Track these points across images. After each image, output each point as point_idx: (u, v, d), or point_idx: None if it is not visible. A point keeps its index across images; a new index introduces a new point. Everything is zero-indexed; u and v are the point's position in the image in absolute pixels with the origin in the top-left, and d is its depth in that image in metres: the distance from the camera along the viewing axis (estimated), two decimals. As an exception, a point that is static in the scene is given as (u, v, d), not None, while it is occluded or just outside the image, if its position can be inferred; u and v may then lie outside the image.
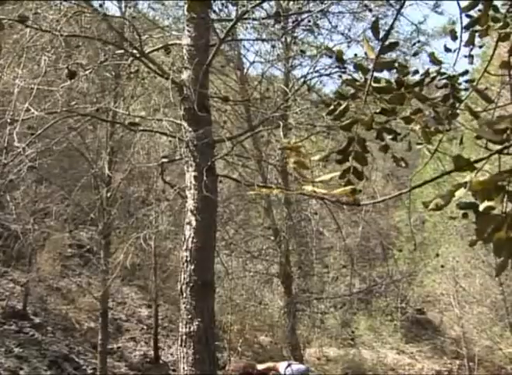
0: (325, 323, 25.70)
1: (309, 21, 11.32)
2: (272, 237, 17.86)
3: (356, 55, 12.34)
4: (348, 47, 14.39)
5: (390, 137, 3.27)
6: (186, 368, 6.20)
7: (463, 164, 2.39)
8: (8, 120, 8.61)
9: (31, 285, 22.73)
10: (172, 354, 24.23)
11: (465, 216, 2.72)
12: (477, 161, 2.40)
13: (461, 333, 28.38)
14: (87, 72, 9.23)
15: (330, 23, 13.77)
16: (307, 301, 20.67)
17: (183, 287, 6.64)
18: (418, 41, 15.18)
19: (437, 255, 24.90)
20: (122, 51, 9.58)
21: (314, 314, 22.37)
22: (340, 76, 13.19)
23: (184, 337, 6.38)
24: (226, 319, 20.60)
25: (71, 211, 19.69)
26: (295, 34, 14.63)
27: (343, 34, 14.77)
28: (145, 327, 25.40)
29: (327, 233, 21.71)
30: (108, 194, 16.66)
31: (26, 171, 8.92)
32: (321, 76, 12.64)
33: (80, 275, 25.63)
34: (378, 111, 3.12)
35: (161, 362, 23.78)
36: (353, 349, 29.24)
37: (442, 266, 25.01)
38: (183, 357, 6.33)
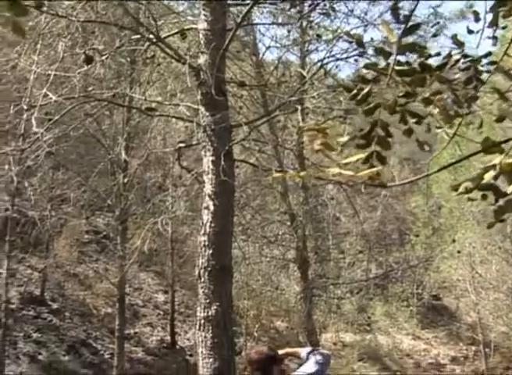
0: (341, 309, 25.75)
1: (325, 5, 11.22)
2: (289, 223, 17.82)
3: (372, 39, 12.25)
4: (364, 31, 14.25)
5: (414, 120, 3.23)
6: (204, 352, 6.20)
7: (490, 145, 2.35)
8: (25, 107, 8.63)
9: (49, 271, 22.89)
10: (188, 339, 24.36)
11: (484, 197, 2.68)
12: (505, 141, 2.36)
13: (477, 319, 28.31)
14: (104, 57, 9.21)
15: (346, 6, 13.59)
16: (324, 286, 20.66)
17: (201, 271, 6.62)
18: (437, 23, 15.04)
19: (453, 240, 24.80)
20: (138, 36, 9.55)
21: (331, 299, 22.38)
22: (356, 61, 13.13)
23: (202, 321, 6.38)
24: (243, 304, 20.65)
25: (88, 197, 19.72)
26: (311, 18, 14.50)
27: (359, 18, 14.61)
28: (162, 313, 25.53)
29: (343, 219, 21.65)
30: (125, 180, 16.68)
31: (44, 157, 8.93)
32: (338, 60, 12.55)
33: (96, 261, 25.76)
34: (401, 94, 3.09)
35: (177, 347, 23.93)
36: (369, 335, 29.28)
37: (459, 252, 24.92)
38: (202, 341, 6.33)
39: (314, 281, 18.78)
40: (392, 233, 33.90)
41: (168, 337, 23.97)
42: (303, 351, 5.71)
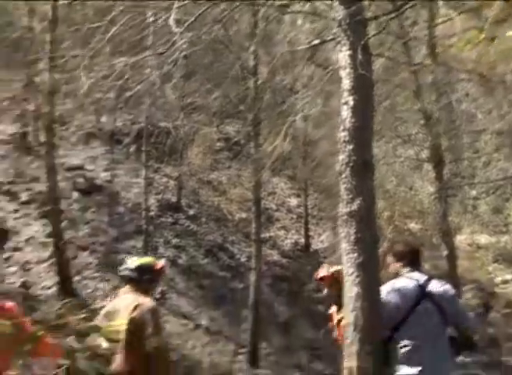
0: (476, 209, 25.19)
1: None
2: (422, 121, 17.33)
3: None
4: None
5: None
6: (347, 247, 6.20)
7: None
8: (152, 18, 8.66)
9: (184, 179, 23.65)
10: (322, 242, 24.71)
11: None
12: None
13: None
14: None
15: None
16: (459, 186, 20.18)
17: (343, 167, 6.53)
18: None
19: None
20: None
21: (466, 200, 21.89)
22: None
23: (345, 216, 6.34)
24: (377, 204, 20.47)
25: (219, 104, 19.94)
26: None
27: None
28: (295, 216, 25.90)
29: (480, 115, 20.73)
30: (257, 83, 16.69)
31: (180, 61, 9.04)
32: None
33: (229, 168, 26.29)
34: None
35: (311, 249, 24.34)
36: (505, 236, 28.56)
37: None
38: (345, 237, 6.32)
39: (449, 181, 18.34)
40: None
41: (303, 240, 24.37)
42: None
